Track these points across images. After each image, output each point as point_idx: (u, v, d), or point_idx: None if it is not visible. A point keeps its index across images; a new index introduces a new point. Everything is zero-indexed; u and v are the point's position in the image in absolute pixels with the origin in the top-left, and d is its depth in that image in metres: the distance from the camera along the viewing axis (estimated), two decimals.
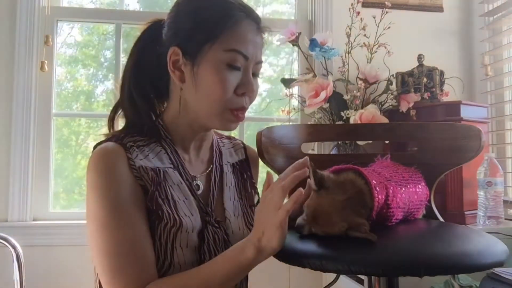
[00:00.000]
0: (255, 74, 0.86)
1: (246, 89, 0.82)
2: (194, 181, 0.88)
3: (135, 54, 0.89)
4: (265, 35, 0.89)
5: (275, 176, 0.81)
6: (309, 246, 0.72)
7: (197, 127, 0.88)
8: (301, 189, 0.70)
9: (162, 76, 0.87)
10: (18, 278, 1.29)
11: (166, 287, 0.75)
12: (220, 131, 1.01)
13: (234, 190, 0.94)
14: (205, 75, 0.81)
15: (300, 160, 0.77)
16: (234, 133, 1.92)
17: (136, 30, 2.00)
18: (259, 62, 0.86)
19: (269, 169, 0.82)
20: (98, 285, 0.85)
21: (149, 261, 0.77)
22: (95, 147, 0.83)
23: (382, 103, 1.71)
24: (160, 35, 0.87)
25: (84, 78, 2.01)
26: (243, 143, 1.04)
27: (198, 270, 0.76)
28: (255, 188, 1.00)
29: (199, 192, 0.88)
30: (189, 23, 0.82)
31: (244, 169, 1.00)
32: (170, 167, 0.85)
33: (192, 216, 0.82)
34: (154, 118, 0.90)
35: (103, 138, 0.86)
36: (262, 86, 2.16)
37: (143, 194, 0.79)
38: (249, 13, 0.84)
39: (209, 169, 0.92)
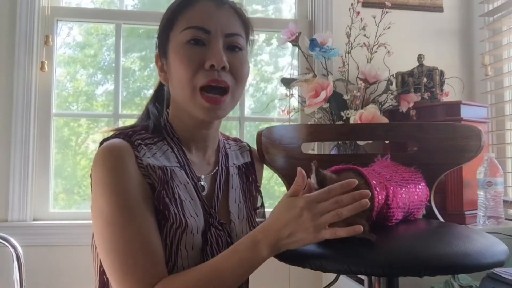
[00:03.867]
0: (232, 48, 0.83)
1: (213, 60, 0.79)
2: (200, 182, 0.87)
3: None
4: (242, 12, 0.88)
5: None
6: (309, 246, 0.72)
7: (190, 123, 0.87)
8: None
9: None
10: (18, 278, 1.28)
11: (179, 285, 0.74)
12: (226, 133, 1.01)
13: (240, 193, 0.93)
14: (172, 61, 0.84)
15: (349, 181, 0.70)
16: (233, 133, 1.93)
17: (136, 30, 2.00)
18: (231, 35, 0.83)
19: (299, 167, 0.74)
20: (99, 284, 0.85)
21: (159, 258, 0.76)
22: (101, 143, 0.82)
23: (382, 103, 1.71)
24: None
25: (83, 78, 2.01)
26: (249, 146, 1.04)
27: (210, 268, 0.74)
28: (260, 191, 0.99)
29: (204, 193, 0.87)
30: (160, 27, 0.88)
31: (250, 171, 0.99)
32: (177, 166, 0.84)
33: (197, 217, 0.81)
34: (162, 120, 0.90)
35: (108, 134, 0.85)
36: (262, 86, 2.16)
37: (151, 192, 0.79)
38: None
39: (215, 170, 0.92)
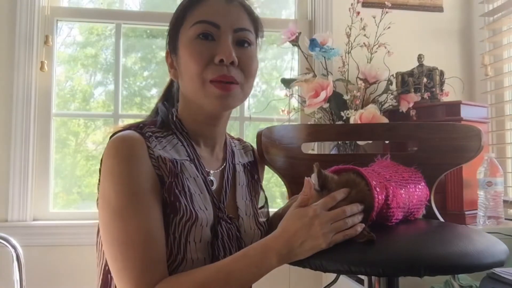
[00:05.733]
0: (241, 43, 0.84)
1: (222, 55, 0.80)
2: (209, 176, 0.87)
3: None
4: (251, 6, 0.88)
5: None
6: None
7: (199, 119, 0.87)
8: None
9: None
10: (18, 278, 1.29)
11: (185, 285, 0.73)
12: (229, 133, 1.02)
13: (246, 190, 0.95)
14: (181, 56, 0.84)
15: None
16: (233, 132, 1.93)
17: (137, 30, 2.00)
18: (240, 30, 0.84)
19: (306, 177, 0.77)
20: (101, 283, 0.84)
21: (161, 255, 0.75)
22: (111, 137, 0.82)
23: (382, 103, 1.71)
24: None
25: (83, 78, 2.01)
26: (251, 146, 1.05)
27: (218, 269, 0.74)
28: (263, 190, 1.01)
29: (213, 187, 0.88)
30: (170, 24, 0.88)
31: (254, 170, 1.00)
32: (187, 160, 0.84)
33: (206, 210, 0.82)
34: (171, 115, 0.90)
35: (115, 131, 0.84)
36: (262, 86, 2.16)
37: (159, 185, 0.79)
38: None
39: (223, 166, 0.93)
